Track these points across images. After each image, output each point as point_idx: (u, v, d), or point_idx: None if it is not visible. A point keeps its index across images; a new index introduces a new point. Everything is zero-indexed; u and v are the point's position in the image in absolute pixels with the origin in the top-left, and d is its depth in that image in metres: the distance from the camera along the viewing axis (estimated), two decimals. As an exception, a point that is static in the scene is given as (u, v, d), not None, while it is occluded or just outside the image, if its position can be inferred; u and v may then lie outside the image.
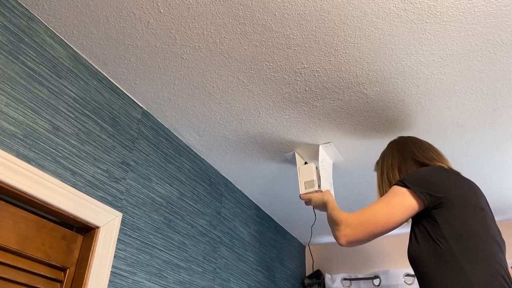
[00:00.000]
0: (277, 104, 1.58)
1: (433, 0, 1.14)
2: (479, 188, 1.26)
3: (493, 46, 1.28)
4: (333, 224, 1.29)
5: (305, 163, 1.82)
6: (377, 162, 1.51)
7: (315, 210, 1.78)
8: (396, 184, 1.22)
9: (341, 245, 1.23)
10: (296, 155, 1.85)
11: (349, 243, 1.21)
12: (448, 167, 1.30)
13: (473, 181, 1.30)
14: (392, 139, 1.55)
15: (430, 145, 1.42)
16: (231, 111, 1.63)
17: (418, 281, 1.18)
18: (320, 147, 1.80)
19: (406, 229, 2.87)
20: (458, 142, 1.75)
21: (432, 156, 1.35)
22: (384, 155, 1.47)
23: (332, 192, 1.74)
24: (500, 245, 1.15)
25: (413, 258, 1.18)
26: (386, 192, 1.33)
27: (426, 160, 1.33)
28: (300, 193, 1.74)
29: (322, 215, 2.04)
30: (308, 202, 1.70)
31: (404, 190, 1.18)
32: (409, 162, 1.36)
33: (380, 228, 1.17)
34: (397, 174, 1.35)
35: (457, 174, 1.25)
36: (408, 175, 1.23)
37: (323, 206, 1.54)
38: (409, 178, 1.20)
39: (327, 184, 1.76)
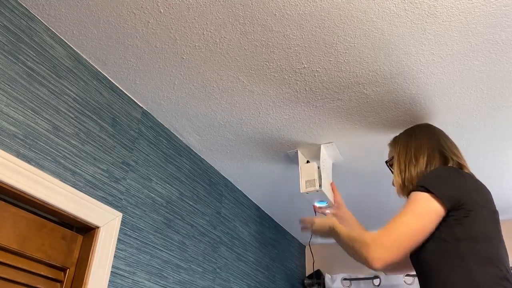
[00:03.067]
0: (277, 104, 1.58)
1: (433, 0, 1.14)
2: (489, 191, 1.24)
3: (493, 46, 1.28)
4: (358, 246, 1.14)
5: (307, 161, 1.82)
6: (399, 138, 1.45)
7: (314, 233, 1.54)
8: (417, 190, 1.15)
9: (375, 268, 1.08)
10: (299, 153, 1.85)
11: (385, 265, 1.08)
12: (466, 168, 1.28)
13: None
14: (391, 138, 1.54)
15: (452, 141, 1.39)
16: (231, 111, 1.63)
17: (420, 279, 1.17)
18: (322, 147, 1.80)
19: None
20: (458, 142, 1.73)
21: (455, 153, 1.32)
22: (410, 134, 1.42)
23: (330, 193, 1.74)
24: (505, 247, 1.14)
25: (418, 256, 1.15)
26: (407, 169, 1.30)
27: (451, 155, 1.30)
28: (301, 191, 1.73)
29: (322, 215, 2.03)
30: (308, 226, 1.47)
31: (427, 195, 1.12)
32: (435, 153, 1.31)
33: (415, 241, 1.09)
34: (425, 159, 1.30)
35: (471, 176, 1.23)
36: (426, 179, 1.17)
37: (329, 231, 1.34)
38: (429, 182, 1.15)
39: (326, 184, 1.75)
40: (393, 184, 1.42)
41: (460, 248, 1.07)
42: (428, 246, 1.13)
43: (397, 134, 1.53)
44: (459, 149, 1.36)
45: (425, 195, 1.12)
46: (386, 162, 1.51)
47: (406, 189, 1.31)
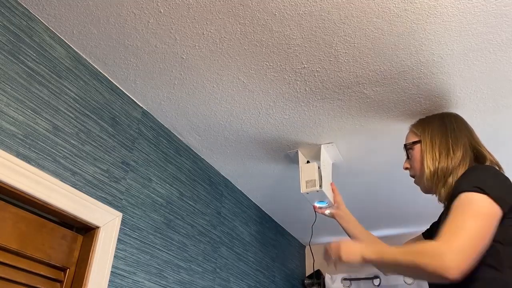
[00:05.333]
0: (277, 104, 1.58)
1: (433, 0, 1.14)
2: None
3: (493, 46, 1.28)
4: (422, 259, 0.99)
5: (308, 162, 1.82)
6: (429, 123, 1.37)
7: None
8: (473, 191, 1.05)
9: (452, 280, 0.96)
10: (299, 153, 1.85)
11: (463, 274, 0.96)
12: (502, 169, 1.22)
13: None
14: (391, 138, 1.53)
15: None
16: (231, 111, 1.63)
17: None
18: (322, 147, 1.80)
19: (403, 230, 2.87)
20: (458, 142, 1.74)
21: (489, 152, 1.26)
22: (444, 121, 1.35)
23: (330, 193, 1.74)
24: None
25: None
26: (442, 158, 1.24)
27: (488, 154, 1.25)
28: (301, 191, 1.73)
29: (322, 215, 2.03)
30: (334, 260, 1.22)
31: (484, 197, 1.03)
32: (469, 149, 1.25)
33: (483, 246, 0.99)
34: (461, 153, 1.23)
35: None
36: (481, 180, 1.08)
37: (362, 260, 1.15)
38: (484, 183, 1.06)
39: (326, 184, 1.75)
40: (407, 169, 1.36)
41: (499, 252, 1.03)
42: None
43: (421, 118, 1.44)
44: None
45: (482, 197, 1.03)
46: (405, 145, 1.40)
47: (438, 181, 1.24)
